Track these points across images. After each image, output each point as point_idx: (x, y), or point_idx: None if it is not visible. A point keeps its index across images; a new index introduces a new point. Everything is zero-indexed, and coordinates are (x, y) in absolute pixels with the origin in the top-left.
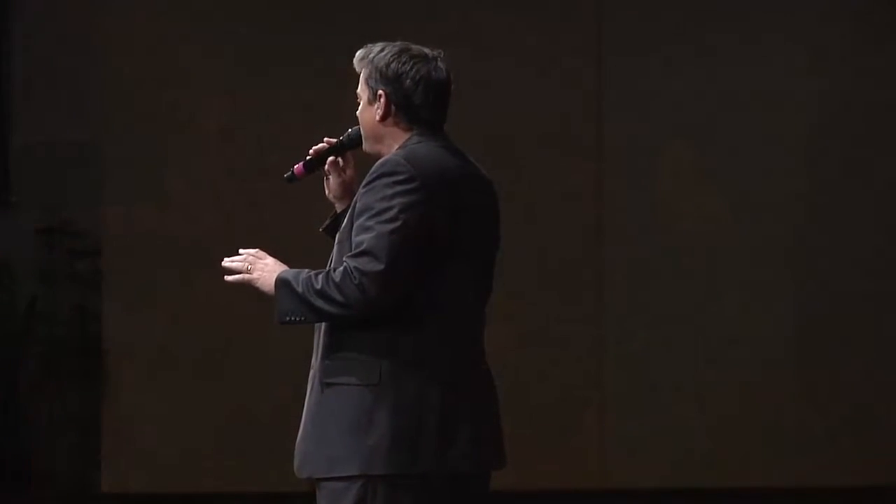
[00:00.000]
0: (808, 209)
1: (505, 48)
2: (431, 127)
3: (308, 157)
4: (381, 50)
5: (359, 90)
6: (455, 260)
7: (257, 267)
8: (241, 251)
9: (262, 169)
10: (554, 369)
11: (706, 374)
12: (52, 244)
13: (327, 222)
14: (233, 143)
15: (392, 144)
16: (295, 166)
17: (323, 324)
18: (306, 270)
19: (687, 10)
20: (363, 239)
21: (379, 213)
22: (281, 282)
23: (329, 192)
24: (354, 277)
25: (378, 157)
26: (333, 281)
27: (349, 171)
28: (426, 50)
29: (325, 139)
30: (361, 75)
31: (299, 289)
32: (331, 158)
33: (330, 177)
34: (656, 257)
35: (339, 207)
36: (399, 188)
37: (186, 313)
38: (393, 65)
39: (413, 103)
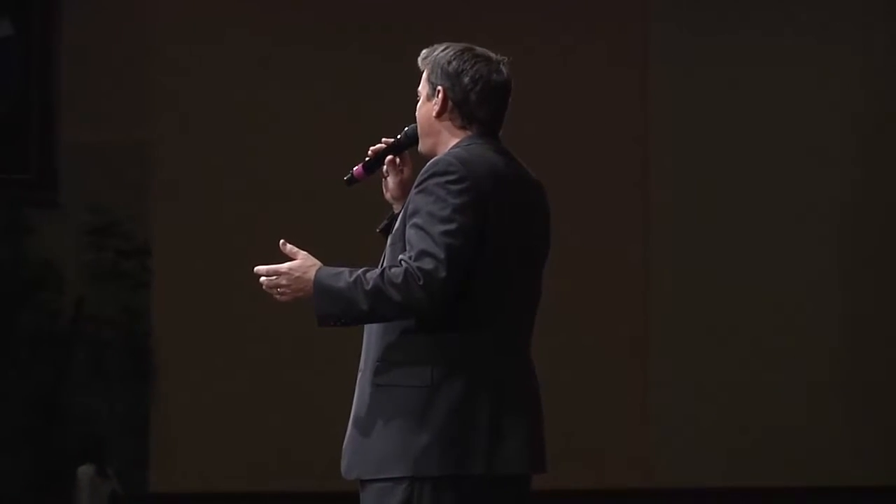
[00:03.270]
0: (857, 212)
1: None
2: (486, 129)
3: (367, 159)
4: (446, 48)
5: (420, 87)
6: (506, 263)
7: (283, 289)
8: (258, 269)
9: (314, 167)
10: (600, 370)
11: (753, 375)
12: (101, 245)
13: (384, 223)
14: (283, 142)
15: (446, 142)
16: (354, 168)
17: (373, 326)
18: (346, 271)
19: (732, 13)
20: (419, 240)
21: (433, 215)
22: (319, 286)
23: (387, 193)
24: (419, 279)
25: (426, 153)
26: (392, 282)
27: (406, 171)
28: (490, 53)
29: (383, 139)
30: (424, 73)
31: (345, 290)
32: (389, 157)
33: (388, 177)
34: (702, 257)
35: (396, 208)
36: (452, 188)
37: (234, 313)
38: (454, 62)
39: (470, 101)
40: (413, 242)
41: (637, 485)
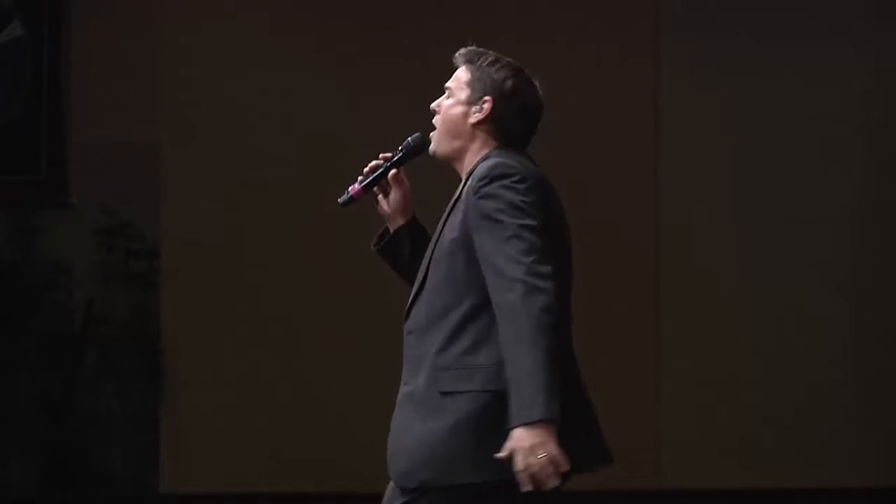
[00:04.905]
0: (864, 213)
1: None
2: (515, 144)
3: (363, 176)
4: (497, 61)
5: (451, 84)
6: (561, 263)
7: (548, 468)
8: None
9: (324, 168)
10: (609, 368)
11: (763, 375)
12: (110, 245)
13: (383, 242)
14: (293, 143)
15: (476, 150)
16: (350, 188)
17: (423, 335)
18: (515, 387)
19: (742, 14)
20: (514, 249)
21: (512, 215)
22: (542, 413)
23: (386, 209)
24: (540, 288)
25: (445, 154)
26: (524, 310)
27: (406, 183)
28: (532, 77)
29: (381, 155)
30: (465, 74)
31: (530, 378)
32: (393, 172)
33: (389, 193)
34: (713, 257)
35: (394, 224)
36: (520, 187)
37: (244, 314)
38: (510, 81)
39: (512, 120)
40: (506, 252)
41: (644, 486)
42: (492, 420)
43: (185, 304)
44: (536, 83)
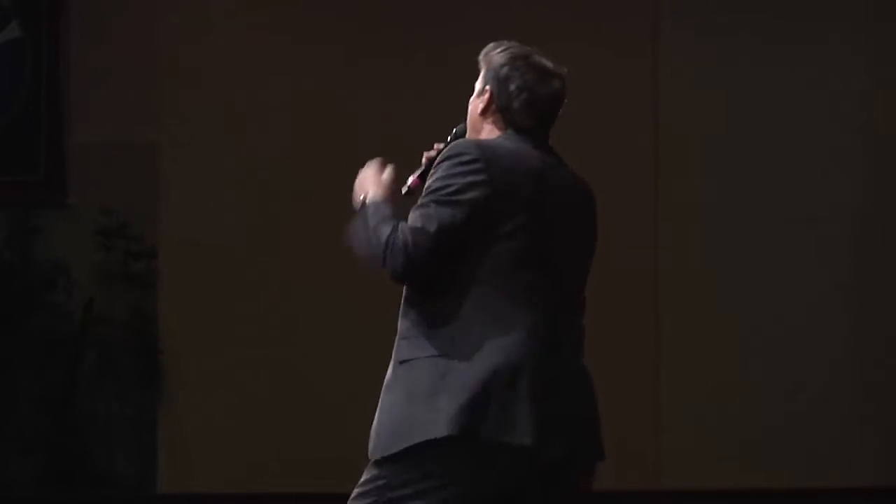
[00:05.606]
0: (866, 215)
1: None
2: (523, 131)
3: (422, 168)
4: (503, 49)
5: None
6: (524, 252)
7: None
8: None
9: (323, 169)
10: (609, 369)
11: (763, 375)
12: (109, 246)
13: None
14: (292, 144)
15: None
16: (410, 179)
17: (401, 310)
18: (390, 214)
19: (741, 13)
20: (418, 214)
21: (437, 191)
22: (364, 208)
23: None
24: (408, 249)
25: None
26: (394, 244)
27: None
28: (547, 63)
29: (435, 145)
30: (481, 68)
31: (370, 223)
32: None
33: None
34: (713, 258)
35: None
36: (462, 168)
37: (244, 314)
38: (505, 68)
39: (512, 108)
40: (413, 216)
41: (644, 486)
42: (432, 383)
43: (185, 305)
44: (550, 68)
